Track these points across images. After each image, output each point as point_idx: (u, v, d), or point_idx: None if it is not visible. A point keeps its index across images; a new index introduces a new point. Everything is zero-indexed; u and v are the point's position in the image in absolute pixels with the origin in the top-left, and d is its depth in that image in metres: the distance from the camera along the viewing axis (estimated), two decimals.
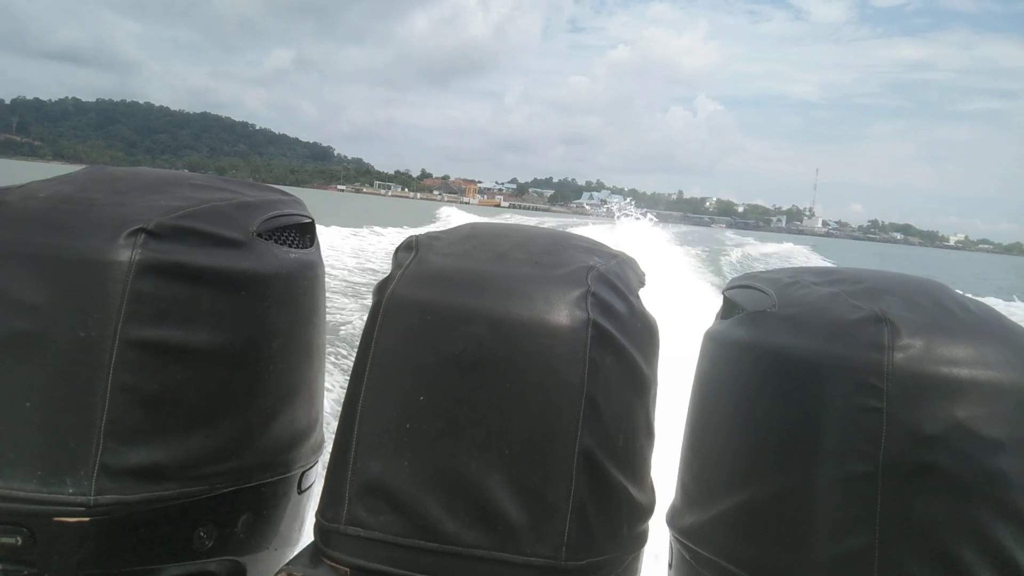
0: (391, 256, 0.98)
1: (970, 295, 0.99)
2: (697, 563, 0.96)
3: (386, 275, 0.94)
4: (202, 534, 0.99)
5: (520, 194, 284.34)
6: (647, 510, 0.93)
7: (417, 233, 1.01)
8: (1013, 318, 0.93)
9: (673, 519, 1.04)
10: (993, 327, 0.87)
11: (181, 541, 0.98)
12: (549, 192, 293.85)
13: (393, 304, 0.89)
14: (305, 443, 1.16)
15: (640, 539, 0.93)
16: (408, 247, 0.96)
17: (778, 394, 0.89)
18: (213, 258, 0.98)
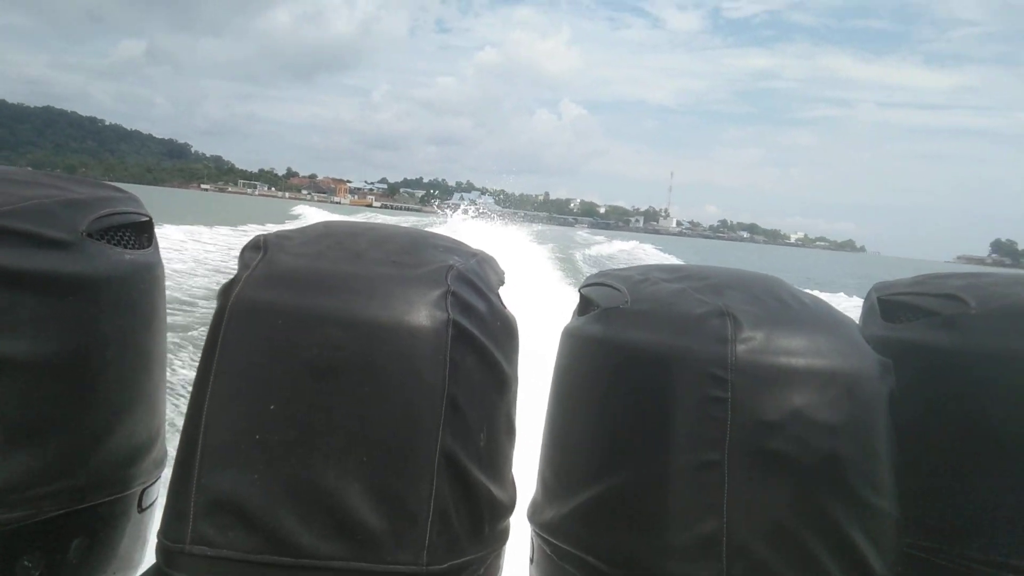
0: (237, 257, 0.93)
1: (801, 288, 1.07)
2: (557, 556, 0.97)
3: (232, 277, 0.89)
4: (27, 563, 0.90)
5: (391, 194, 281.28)
6: (508, 507, 0.94)
7: (265, 232, 0.96)
8: (839, 307, 1.02)
9: (534, 515, 1.05)
10: (824, 318, 0.93)
11: (1, 574, 0.88)
12: (420, 192, 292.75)
13: (239, 307, 0.84)
14: (146, 458, 1.08)
15: (502, 537, 0.93)
16: (255, 247, 0.90)
17: (631, 387, 0.92)
18: (36, 261, 0.89)
